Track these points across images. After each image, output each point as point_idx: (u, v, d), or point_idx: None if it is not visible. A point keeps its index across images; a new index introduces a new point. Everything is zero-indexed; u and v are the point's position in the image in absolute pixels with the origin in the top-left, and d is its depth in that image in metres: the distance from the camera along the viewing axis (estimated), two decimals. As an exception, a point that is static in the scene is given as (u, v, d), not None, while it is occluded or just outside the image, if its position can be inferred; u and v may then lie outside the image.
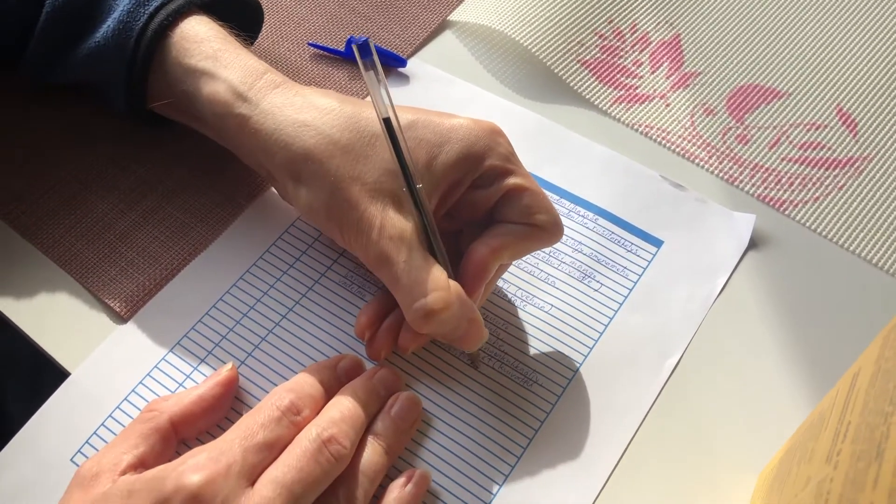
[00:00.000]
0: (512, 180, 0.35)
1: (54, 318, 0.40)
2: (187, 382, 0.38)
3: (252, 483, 0.30)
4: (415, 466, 0.35)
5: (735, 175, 0.44)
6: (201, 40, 0.38)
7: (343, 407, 0.34)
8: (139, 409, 0.37)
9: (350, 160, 0.35)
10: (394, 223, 0.34)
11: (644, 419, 0.36)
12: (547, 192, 0.42)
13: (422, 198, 0.34)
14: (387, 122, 0.34)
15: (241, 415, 0.37)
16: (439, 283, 0.33)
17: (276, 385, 0.37)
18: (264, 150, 0.36)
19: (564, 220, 0.42)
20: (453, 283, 0.33)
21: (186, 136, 0.43)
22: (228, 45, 0.38)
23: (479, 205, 0.36)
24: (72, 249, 0.41)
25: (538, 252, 0.41)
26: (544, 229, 0.35)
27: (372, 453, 0.33)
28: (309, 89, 0.37)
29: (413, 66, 0.49)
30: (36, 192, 0.43)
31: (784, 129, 0.45)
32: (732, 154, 0.45)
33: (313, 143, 0.35)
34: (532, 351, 0.38)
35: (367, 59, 0.33)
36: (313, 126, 0.35)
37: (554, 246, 0.41)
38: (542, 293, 0.40)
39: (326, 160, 0.34)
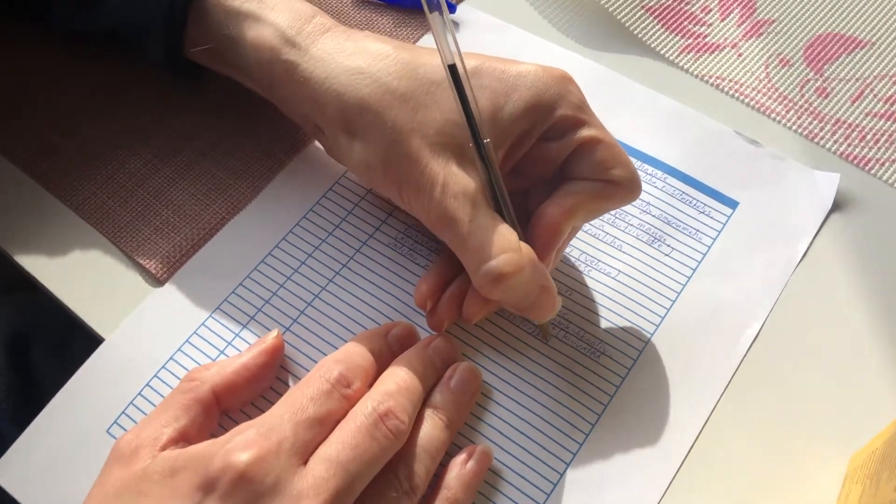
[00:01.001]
0: (585, 132, 0.32)
1: (86, 281, 0.37)
2: (229, 350, 0.35)
3: (304, 461, 0.28)
4: (475, 442, 0.33)
5: (815, 131, 0.40)
6: None
7: (399, 378, 0.31)
8: (178, 377, 0.35)
9: (409, 110, 0.31)
10: (458, 180, 0.31)
11: (722, 394, 0.34)
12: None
13: (489, 152, 0.31)
14: (452, 69, 0.30)
15: (287, 385, 0.35)
16: (510, 244, 0.30)
17: (323, 354, 0.35)
18: (314, 100, 0.33)
19: (633, 179, 0.39)
20: (525, 246, 0.30)
21: (224, 87, 0.40)
22: None
23: (550, 159, 0.33)
24: (103, 207, 0.39)
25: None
26: (622, 185, 0.32)
27: (431, 427, 0.31)
28: (362, 33, 0.34)
29: (463, 11, 0.45)
30: (63, 146, 0.40)
31: (868, 81, 0.42)
32: (812, 108, 0.41)
33: (368, 91, 0.32)
34: (599, 320, 0.35)
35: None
36: (368, 73, 0.32)
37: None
38: (609, 258, 0.37)
39: (384, 110, 0.31)
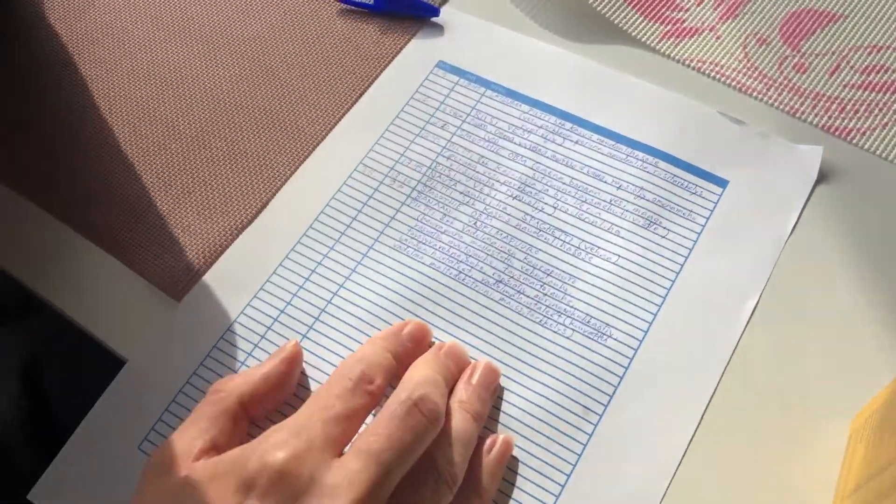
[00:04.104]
0: None
1: (104, 304, 0.38)
2: (249, 360, 0.37)
3: (338, 455, 0.29)
4: (495, 432, 0.34)
5: (796, 106, 0.42)
6: None
7: (424, 373, 0.32)
8: (202, 391, 0.36)
9: None
10: None
11: (726, 367, 0.35)
12: (603, 139, 0.41)
13: None
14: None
15: (309, 391, 0.36)
16: None
17: (341, 357, 0.36)
18: None
19: (623, 167, 0.40)
20: None
21: (219, 110, 0.41)
22: None
23: None
24: (113, 231, 0.40)
25: (599, 201, 0.39)
26: None
27: (461, 420, 0.32)
28: None
29: (447, 14, 0.46)
30: (66, 173, 0.41)
31: (844, 53, 0.43)
32: (791, 84, 0.42)
33: None
34: (603, 304, 0.37)
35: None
36: None
37: (616, 194, 0.39)
38: (608, 243, 0.38)
39: None
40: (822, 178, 0.40)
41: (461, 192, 0.40)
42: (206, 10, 0.47)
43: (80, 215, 0.40)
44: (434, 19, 0.46)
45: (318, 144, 0.42)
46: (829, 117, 0.41)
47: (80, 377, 0.46)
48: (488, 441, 0.33)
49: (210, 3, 0.48)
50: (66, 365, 0.49)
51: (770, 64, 0.43)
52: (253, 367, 0.35)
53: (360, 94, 0.44)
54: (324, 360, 0.36)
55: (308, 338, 0.37)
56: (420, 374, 0.32)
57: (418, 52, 0.45)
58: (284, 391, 0.35)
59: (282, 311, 0.38)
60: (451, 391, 0.34)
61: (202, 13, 0.47)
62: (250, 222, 0.40)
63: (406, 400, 0.30)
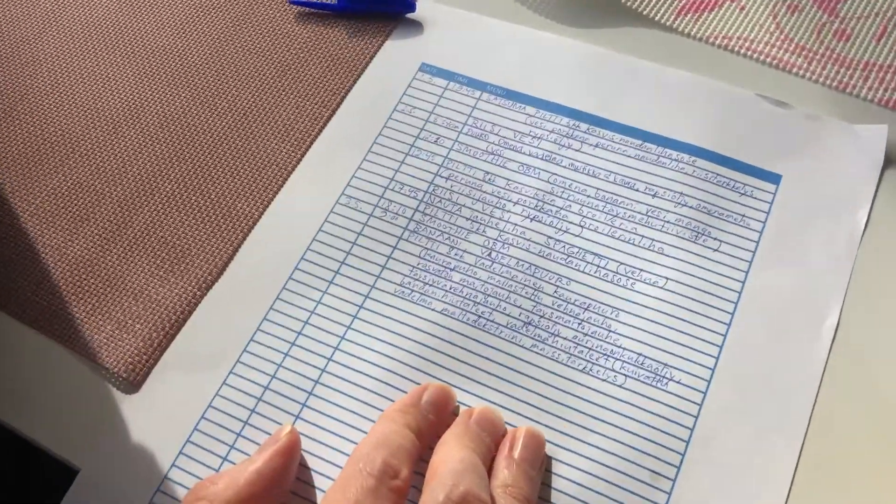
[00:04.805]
0: None
1: (44, 401, 0.31)
2: (233, 455, 0.29)
3: None
4: (549, 514, 0.28)
5: (845, 80, 0.36)
6: None
7: (458, 457, 0.26)
8: (178, 499, 0.29)
9: None
10: None
11: (815, 402, 0.29)
12: (626, 139, 0.35)
13: None
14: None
15: (311, 486, 0.29)
16: None
17: (345, 439, 0.29)
18: None
19: (656, 170, 0.34)
20: None
21: (166, 153, 0.34)
22: None
23: None
24: (49, 308, 0.32)
25: (633, 214, 0.33)
26: None
27: None
28: None
29: (424, 9, 0.39)
30: (-12, 241, 0.34)
31: (888, 14, 0.37)
32: (834, 55, 0.36)
33: None
34: (656, 340, 0.30)
35: None
36: None
37: (652, 203, 0.33)
38: (651, 265, 0.32)
39: None
40: (890, 160, 0.34)
41: (468, 219, 0.34)
42: (149, 35, 0.40)
43: (6, 290, 0.33)
44: (410, 15, 0.39)
45: (288, 175, 0.35)
46: (885, 89, 0.35)
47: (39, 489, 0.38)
48: (544, 529, 0.27)
49: (144, 20, 0.40)
50: (18, 479, 0.41)
51: (807, 34, 0.37)
52: (240, 462, 0.28)
53: (334, 111, 0.37)
54: (326, 445, 0.29)
55: (303, 419, 0.30)
56: (454, 459, 0.26)
57: (396, 54, 0.38)
58: (282, 488, 0.28)
59: (266, 388, 0.31)
60: (489, 470, 0.27)
61: (136, 33, 0.40)
62: (216, 279, 0.33)
63: (445, 501, 0.24)
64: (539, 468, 0.28)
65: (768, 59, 0.37)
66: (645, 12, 0.38)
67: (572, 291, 0.32)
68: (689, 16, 0.38)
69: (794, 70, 0.36)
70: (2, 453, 0.37)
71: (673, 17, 0.38)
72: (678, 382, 0.30)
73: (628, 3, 0.38)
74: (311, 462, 0.29)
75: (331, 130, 0.36)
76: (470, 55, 0.38)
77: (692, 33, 0.38)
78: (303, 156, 0.36)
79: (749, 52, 0.37)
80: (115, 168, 0.36)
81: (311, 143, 0.36)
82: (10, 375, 0.31)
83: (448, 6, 0.39)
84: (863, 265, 0.31)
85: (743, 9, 0.38)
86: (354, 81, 0.37)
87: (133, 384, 0.31)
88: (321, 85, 0.37)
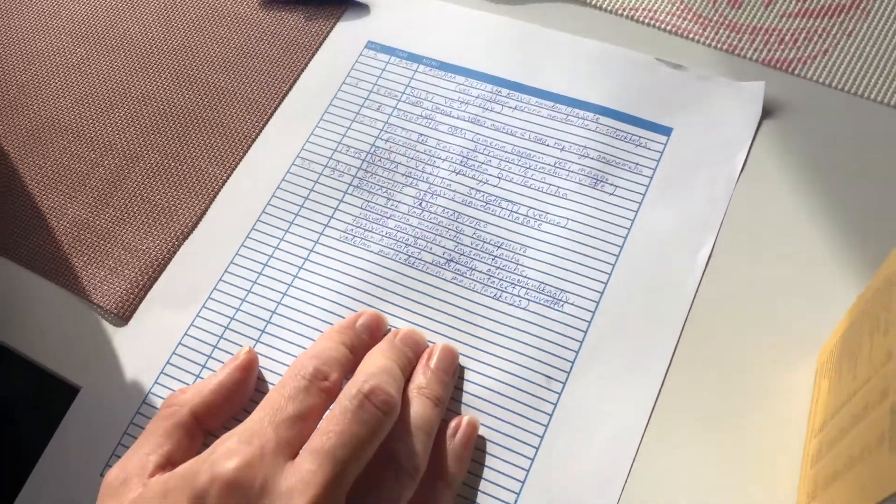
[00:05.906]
0: None
1: (51, 333, 0.37)
2: (204, 373, 0.36)
3: (292, 458, 0.28)
4: (459, 414, 0.33)
5: (734, 43, 0.41)
6: None
7: (377, 363, 0.31)
8: (157, 408, 0.35)
9: None
10: None
11: (686, 318, 0.34)
12: (541, 101, 0.40)
13: None
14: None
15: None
16: None
17: (297, 356, 0.35)
18: None
19: (565, 127, 0.39)
20: None
21: (146, 120, 0.40)
22: None
23: None
24: (54, 258, 0.39)
25: (543, 166, 0.38)
26: None
27: (421, 406, 0.31)
28: None
29: (371, -7, 0.45)
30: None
31: (778, -17, 0.42)
32: (727, 21, 0.41)
33: None
34: (556, 270, 0.36)
35: None
36: None
37: (559, 156, 0.38)
38: (556, 208, 0.37)
39: None
40: (767, 113, 0.39)
41: (403, 174, 0.39)
42: (126, 23, 0.46)
43: (17, 244, 0.39)
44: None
45: (252, 143, 0.41)
46: (769, 50, 0.40)
47: (51, 409, 0.45)
48: (452, 424, 0.32)
49: (127, 13, 0.46)
50: (35, 398, 0.48)
51: (704, 3, 0.42)
52: (206, 377, 0.35)
53: (291, 86, 0.42)
54: (280, 363, 0.36)
55: (262, 342, 0.36)
56: (372, 365, 0.31)
57: (346, 35, 0.44)
58: (240, 399, 0.34)
59: (232, 318, 0.37)
60: (410, 378, 0.33)
61: (120, 26, 0.46)
62: (190, 232, 0.39)
63: (357, 393, 0.29)
64: (452, 375, 0.34)
65: (668, 27, 0.42)
66: (563, -11, 0.43)
67: (488, 233, 0.37)
68: (602, -9, 0.43)
69: (691, 36, 0.41)
70: None
71: (587, -8, 0.43)
72: (572, 304, 0.35)
73: (549, -18, 0.43)
74: (269, 377, 0.35)
75: (288, 103, 0.42)
76: (410, 33, 0.43)
77: (603, 6, 0.43)
78: (264, 126, 0.41)
79: (652, 21, 0.42)
80: (106, 141, 0.42)
81: (272, 114, 0.42)
82: (22, 314, 0.38)
83: (391, -10, 0.45)
84: (737, 203, 0.37)
85: (650, -17, 0.43)
86: (309, 60, 0.43)
87: (123, 318, 0.37)
88: (280, 64, 0.43)
